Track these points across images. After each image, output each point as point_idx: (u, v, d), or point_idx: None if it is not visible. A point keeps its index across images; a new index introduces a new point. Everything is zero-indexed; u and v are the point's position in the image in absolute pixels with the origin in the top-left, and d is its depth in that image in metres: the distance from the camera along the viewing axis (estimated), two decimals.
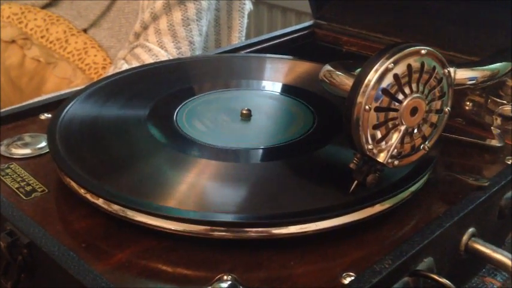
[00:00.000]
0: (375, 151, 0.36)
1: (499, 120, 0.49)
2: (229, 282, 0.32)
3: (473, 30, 0.58)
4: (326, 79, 0.43)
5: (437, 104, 0.37)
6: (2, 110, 0.51)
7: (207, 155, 0.41)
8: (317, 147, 0.43)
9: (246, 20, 0.96)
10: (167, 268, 0.33)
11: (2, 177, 0.41)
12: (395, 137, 0.36)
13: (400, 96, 0.35)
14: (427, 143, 0.38)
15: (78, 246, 0.35)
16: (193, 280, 0.33)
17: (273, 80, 0.55)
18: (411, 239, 0.35)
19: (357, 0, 0.69)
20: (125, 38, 0.98)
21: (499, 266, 0.37)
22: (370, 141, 0.35)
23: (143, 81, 0.53)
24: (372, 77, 0.34)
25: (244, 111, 0.46)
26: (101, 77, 0.96)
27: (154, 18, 0.85)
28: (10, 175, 0.42)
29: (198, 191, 0.38)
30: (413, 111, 0.36)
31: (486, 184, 0.40)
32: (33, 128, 0.49)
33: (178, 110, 0.47)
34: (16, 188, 0.40)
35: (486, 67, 0.45)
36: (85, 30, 1.05)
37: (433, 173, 0.42)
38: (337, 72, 0.43)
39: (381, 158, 0.36)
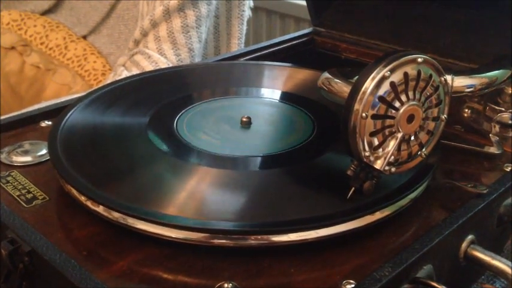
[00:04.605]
0: (371, 158, 0.36)
1: (497, 128, 0.49)
2: None
3: (471, 37, 0.58)
4: (324, 86, 0.44)
5: (434, 112, 0.37)
6: (2, 118, 0.51)
7: (208, 162, 0.41)
8: (317, 154, 0.43)
9: (245, 27, 0.96)
10: (168, 276, 0.33)
11: (3, 185, 0.41)
12: (392, 144, 0.36)
13: (397, 104, 0.36)
14: (424, 150, 0.38)
15: (79, 254, 0.35)
16: None
17: (272, 87, 0.55)
18: (411, 247, 0.35)
19: (355, 8, 0.69)
20: (125, 44, 0.98)
21: (498, 273, 0.37)
22: (367, 148, 0.36)
23: (143, 88, 0.53)
24: (369, 84, 0.35)
25: (244, 119, 0.47)
26: (101, 83, 0.96)
27: (154, 25, 0.86)
28: (11, 183, 0.42)
29: (198, 198, 0.38)
30: (410, 118, 0.36)
31: (485, 191, 0.40)
32: (34, 136, 0.49)
33: (178, 118, 0.47)
34: (17, 196, 0.40)
35: (484, 74, 0.45)
36: (84, 37, 1.06)
37: (432, 180, 0.42)
38: (335, 80, 0.43)
39: (378, 165, 0.36)
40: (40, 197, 0.40)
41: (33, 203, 0.40)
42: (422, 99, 0.36)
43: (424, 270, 0.35)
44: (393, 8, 0.65)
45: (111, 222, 0.36)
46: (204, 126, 0.47)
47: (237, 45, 0.96)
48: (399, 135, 0.36)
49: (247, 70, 0.59)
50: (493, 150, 0.47)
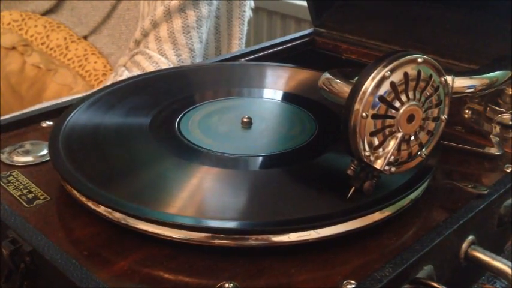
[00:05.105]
0: (371, 158, 0.36)
1: (498, 129, 0.49)
2: None
3: (472, 38, 0.58)
4: (325, 87, 0.44)
5: (434, 112, 0.37)
6: (3, 118, 0.51)
7: (208, 162, 0.41)
8: (317, 154, 0.43)
9: (246, 27, 0.96)
10: (169, 276, 0.33)
11: (4, 185, 0.42)
12: (392, 144, 0.36)
13: (397, 104, 0.36)
14: (424, 150, 0.38)
15: (80, 254, 0.35)
16: None
17: (273, 87, 0.55)
18: (411, 247, 0.35)
19: (356, 8, 0.69)
20: (125, 45, 0.98)
21: (498, 273, 0.37)
22: (367, 148, 0.36)
23: (145, 89, 0.53)
24: (369, 84, 0.35)
25: (245, 119, 0.47)
26: (101, 83, 0.97)
27: (155, 25, 0.86)
28: (12, 183, 0.42)
29: (199, 198, 0.38)
30: (410, 118, 0.36)
31: (485, 192, 0.41)
32: (35, 136, 0.49)
33: (180, 118, 0.47)
34: (18, 196, 0.40)
35: (485, 75, 0.45)
36: (85, 37, 1.06)
37: (432, 181, 0.42)
38: (336, 80, 0.43)
39: (378, 164, 0.36)
40: (41, 197, 0.40)
41: (34, 203, 0.40)
42: (423, 99, 0.36)
43: (425, 270, 0.35)
44: (394, 9, 0.65)
45: (112, 222, 0.36)
46: (205, 126, 0.47)
47: (238, 45, 0.96)
48: (399, 135, 0.36)
49: (248, 71, 0.59)
50: (494, 151, 0.47)
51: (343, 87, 0.42)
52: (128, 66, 0.87)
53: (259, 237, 0.35)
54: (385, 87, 0.35)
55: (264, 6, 1.49)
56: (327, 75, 0.44)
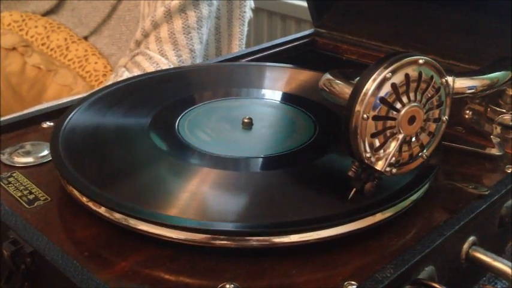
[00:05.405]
0: (373, 159, 0.36)
1: (498, 129, 0.49)
2: None
3: (473, 39, 0.58)
4: (326, 88, 0.44)
5: (435, 113, 0.37)
6: (4, 119, 0.51)
7: (209, 163, 0.41)
8: (318, 156, 0.43)
9: (246, 28, 0.96)
10: (170, 277, 0.33)
11: (4, 186, 0.42)
12: (393, 146, 0.36)
13: (398, 105, 0.36)
14: (425, 151, 0.38)
15: (81, 254, 0.35)
16: None
17: (274, 88, 0.55)
18: (412, 248, 0.35)
19: (356, 9, 0.69)
20: (126, 45, 0.98)
21: (499, 274, 0.37)
22: (368, 149, 0.36)
23: (145, 90, 0.53)
24: (370, 86, 0.35)
25: (245, 120, 0.47)
26: (102, 84, 0.96)
27: (155, 26, 0.86)
28: (13, 183, 0.42)
29: (200, 199, 0.38)
30: (411, 120, 0.36)
31: (486, 193, 0.41)
32: (35, 137, 0.49)
33: (180, 119, 0.47)
34: (19, 197, 0.40)
35: (485, 76, 0.45)
36: (86, 38, 1.06)
37: (433, 182, 0.42)
38: (337, 81, 0.43)
39: (379, 166, 0.36)
40: (42, 198, 0.40)
41: (35, 203, 0.40)
42: (424, 100, 0.36)
43: (426, 271, 0.35)
44: (394, 10, 0.65)
45: (112, 223, 0.36)
46: (206, 127, 0.47)
47: (238, 46, 0.96)
48: (400, 136, 0.36)
49: (248, 71, 0.59)
50: (494, 151, 0.47)
51: (344, 88, 0.42)
52: (128, 67, 0.87)
53: (260, 238, 0.35)
54: (386, 88, 0.35)
55: (264, 6, 1.49)
56: (327, 76, 0.44)
